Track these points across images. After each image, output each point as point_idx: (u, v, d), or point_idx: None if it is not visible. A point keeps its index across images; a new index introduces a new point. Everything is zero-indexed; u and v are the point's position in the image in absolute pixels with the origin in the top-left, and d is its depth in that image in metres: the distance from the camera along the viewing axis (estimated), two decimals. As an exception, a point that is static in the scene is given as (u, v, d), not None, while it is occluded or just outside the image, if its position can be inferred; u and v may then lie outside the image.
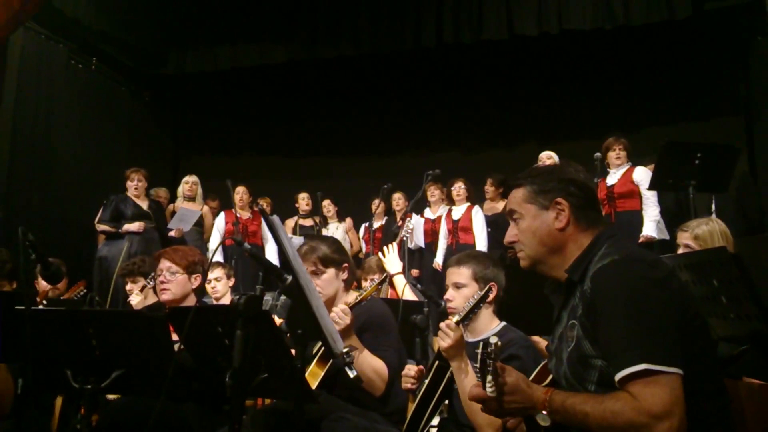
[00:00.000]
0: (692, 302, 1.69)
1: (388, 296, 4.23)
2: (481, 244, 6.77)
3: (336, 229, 7.72)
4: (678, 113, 7.99)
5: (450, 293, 2.80)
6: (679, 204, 5.83)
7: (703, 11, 6.77)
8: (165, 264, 3.35)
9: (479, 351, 1.65)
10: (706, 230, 3.22)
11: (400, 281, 4.02)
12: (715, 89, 7.86)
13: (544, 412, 1.63)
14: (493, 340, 1.62)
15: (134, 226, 6.63)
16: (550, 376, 1.82)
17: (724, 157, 5.06)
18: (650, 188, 5.59)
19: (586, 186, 1.87)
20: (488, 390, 1.61)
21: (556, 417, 1.62)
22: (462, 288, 2.75)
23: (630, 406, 1.50)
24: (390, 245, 4.18)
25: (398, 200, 7.55)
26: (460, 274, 2.78)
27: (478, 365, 1.65)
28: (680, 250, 3.27)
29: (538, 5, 7.24)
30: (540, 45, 7.65)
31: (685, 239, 3.27)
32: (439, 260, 6.96)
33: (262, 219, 6.26)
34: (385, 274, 3.66)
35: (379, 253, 4.04)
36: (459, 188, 7.13)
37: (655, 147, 5.33)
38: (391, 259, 4.06)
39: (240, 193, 7.33)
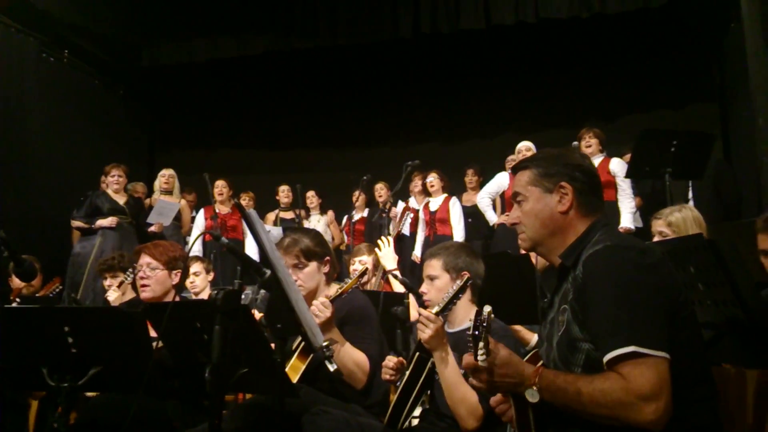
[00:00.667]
0: (682, 290, 1.70)
1: (382, 289, 4.15)
2: (459, 235, 6.78)
3: (318, 222, 7.69)
4: (654, 100, 8.06)
5: (425, 286, 2.81)
6: (656, 192, 5.88)
7: (677, -1, 6.83)
8: (145, 259, 3.30)
9: (471, 319, 1.66)
10: (679, 217, 3.28)
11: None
12: (690, 76, 7.94)
13: (534, 388, 1.64)
14: (487, 309, 1.64)
15: (107, 221, 6.56)
16: (541, 362, 1.83)
17: (699, 145, 5.11)
18: (627, 176, 5.63)
19: (590, 172, 1.89)
20: (480, 359, 1.62)
21: (544, 394, 1.63)
22: (435, 279, 2.76)
23: (619, 386, 1.52)
24: (386, 238, 4.06)
25: (380, 190, 7.51)
26: (432, 265, 2.78)
27: (470, 333, 1.65)
28: (655, 238, 3.30)
29: (515, -6, 7.25)
30: (517, 34, 7.66)
31: (660, 226, 3.33)
32: (417, 252, 6.96)
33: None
34: (364, 267, 3.64)
35: (376, 249, 3.93)
36: (433, 179, 7.13)
37: (632, 134, 5.38)
38: (387, 254, 3.97)
39: (219, 186, 7.26)
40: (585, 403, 1.56)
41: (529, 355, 2.01)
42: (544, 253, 1.91)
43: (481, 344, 1.63)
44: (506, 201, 6.59)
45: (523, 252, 3.60)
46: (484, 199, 6.73)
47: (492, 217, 6.65)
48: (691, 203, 5.87)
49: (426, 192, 7.28)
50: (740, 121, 6.89)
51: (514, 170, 1.98)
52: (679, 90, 7.98)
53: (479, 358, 1.63)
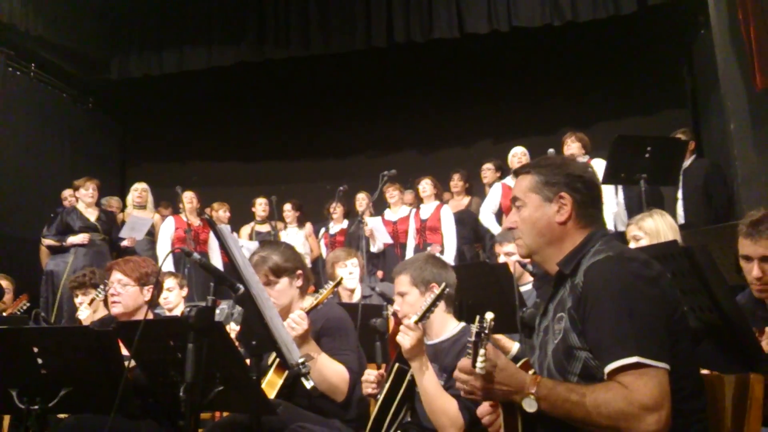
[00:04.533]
0: (680, 303, 1.71)
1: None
2: (450, 243, 6.63)
3: (296, 235, 7.60)
4: (627, 107, 8.15)
5: (396, 302, 2.81)
6: (653, 197, 5.89)
7: (647, 6, 6.92)
8: (116, 276, 3.25)
9: (475, 325, 1.64)
10: (651, 222, 3.36)
11: None
12: (661, 83, 8.06)
13: (531, 397, 1.63)
14: (489, 315, 1.64)
15: (79, 239, 6.47)
16: (532, 370, 1.81)
17: (673, 150, 5.16)
18: (603, 182, 5.66)
19: (592, 184, 1.87)
20: (478, 366, 1.61)
21: (542, 404, 1.62)
22: (405, 296, 2.75)
23: (621, 396, 1.53)
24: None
25: (362, 201, 7.29)
26: (400, 282, 2.78)
27: (471, 339, 1.64)
28: (630, 244, 3.34)
29: (487, 3, 7.30)
30: (491, 43, 7.71)
31: (633, 231, 3.40)
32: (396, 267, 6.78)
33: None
34: (340, 278, 3.59)
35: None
36: (426, 185, 6.93)
37: (607, 140, 5.42)
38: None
39: (189, 197, 7.14)
40: (586, 412, 1.56)
41: (520, 364, 1.99)
42: (539, 261, 1.91)
43: (481, 351, 1.61)
44: (504, 211, 6.52)
45: (511, 259, 3.60)
46: (487, 215, 6.62)
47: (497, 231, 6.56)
48: (680, 206, 5.96)
49: (418, 198, 7.10)
50: (712, 127, 6.99)
51: (516, 173, 1.97)
52: (651, 96, 8.09)
53: (478, 365, 1.61)
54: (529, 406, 1.63)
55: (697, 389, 1.69)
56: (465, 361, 1.69)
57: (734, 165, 5.27)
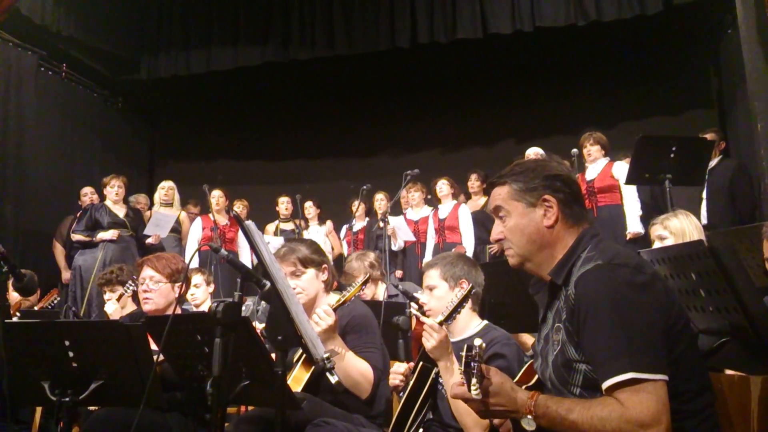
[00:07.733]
0: (676, 303, 1.69)
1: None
2: (469, 242, 6.66)
3: (316, 232, 7.66)
4: (652, 107, 8.07)
5: (424, 296, 2.82)
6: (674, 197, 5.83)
7: (673, 6, 6.85)
8: (148, 273, 3.27)
9: (463, 354, 1.64)
10: (676, 222, 3.31)
11: None
12: (688, 83, 7.96)
13: (529, 416, 1.62)
14: (477, 342, 1.62)
15: (108, 235, 6.57)
16: (536, 377, 1.82)
17: (699, 150, 5.10)
18: (627, 183, 5.62)
19: (570, 180, 1.83)
20: (473, 392, 1.61)
21: (540, 422, 1.61)
22: (434, 289, 2.77)
23: (617, 414, 1.51)
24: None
25: (381, 201, 7.40)
26: (430, 276, 2.79)
27: (462, 368, 1.64)
28: (655, 244, 3.31)
29: (511, 3, 7.28)
30: (514, 43, 7.69)
31: (658, 230, 3.35)
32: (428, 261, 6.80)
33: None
34: (368, 275, 3.61)
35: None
36: (443, 185, 7.02)
37: (631, 141, 5.38)
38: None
39: (216, 197, 7.24)
40: (584, 431, 1.55)
41: (524, 369, 1.99)
42: (533, 269, 1.85)
43: (473, 381, 1.60)
44: None
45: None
46: None
47: None
48: (703, 207, 5.89)
49: (436, 198, 7.16)
50: (738, 127, 6.89)
51: (491, 184, 1.91)
52: (677, 96, 7.99)
53: (473, 391, 1.61)
54: (528, 424, 1.63)
55: (702, 387, 1.67)
56: (459, 387, 1.68)
57: (761, 166, 5.18)
